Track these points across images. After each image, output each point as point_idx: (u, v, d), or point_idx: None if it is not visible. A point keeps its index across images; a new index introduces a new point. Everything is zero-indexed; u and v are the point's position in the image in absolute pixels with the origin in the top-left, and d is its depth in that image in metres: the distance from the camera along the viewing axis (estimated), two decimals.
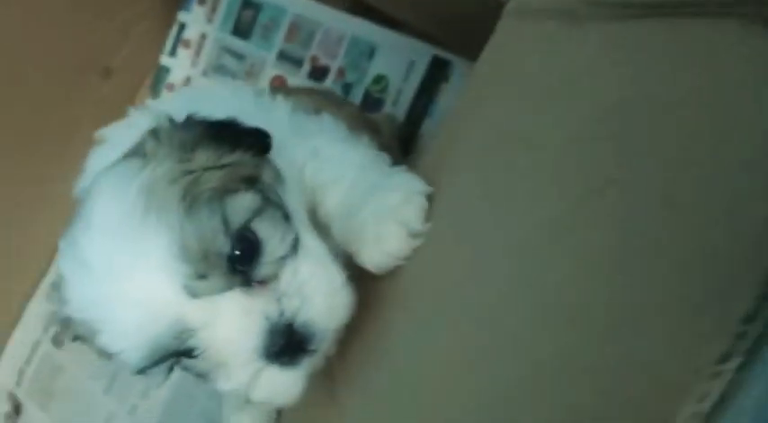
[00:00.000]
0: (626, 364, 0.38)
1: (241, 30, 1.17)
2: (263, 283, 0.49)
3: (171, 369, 0.51)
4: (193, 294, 0.47)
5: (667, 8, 0.41)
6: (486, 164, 0.52)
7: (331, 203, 0.60)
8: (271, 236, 0.50)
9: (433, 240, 0.53)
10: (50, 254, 1.20)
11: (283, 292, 0.49)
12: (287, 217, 0.52)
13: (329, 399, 0.59)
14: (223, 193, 0.49)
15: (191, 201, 0.47)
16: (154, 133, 0.51)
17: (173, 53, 1.22)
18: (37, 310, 1.23)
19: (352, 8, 1.10)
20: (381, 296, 0.55)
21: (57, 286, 0.52)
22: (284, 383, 0.51)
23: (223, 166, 0.50)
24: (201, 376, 0.52)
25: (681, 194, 0.39)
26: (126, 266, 0.46)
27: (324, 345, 0.51)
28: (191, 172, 0.49)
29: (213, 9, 1.19)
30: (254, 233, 0.49)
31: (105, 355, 0.50)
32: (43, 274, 1.23)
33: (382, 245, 0.54)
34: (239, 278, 0.49)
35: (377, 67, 1.08)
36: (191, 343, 0.48)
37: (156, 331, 0.47)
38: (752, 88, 0.38)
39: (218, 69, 1.19)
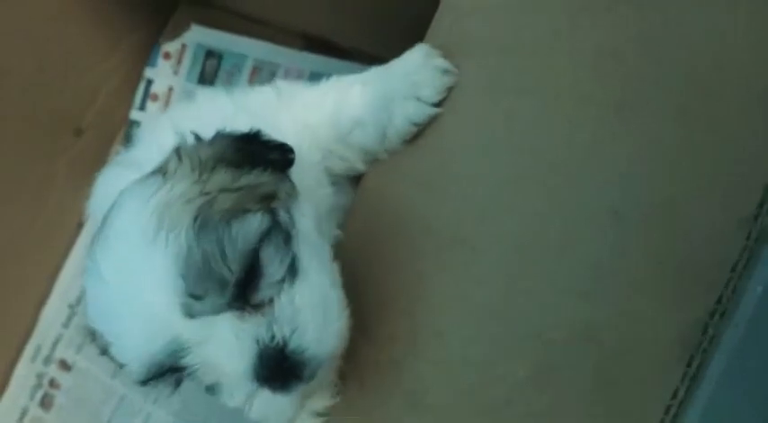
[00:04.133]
0: None
1: (206, 78, 1.24)
2: (258, 307, 0.51)
3: (179, 383, 0.52)
4: (190, 314, 0.48)
5: None
6: None
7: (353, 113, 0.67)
8: (272, 259, 0.51)
9: None
10: (33, 317, 1.21)
11: (276, 319, 0.50)
12: (288, 239, 0.53)
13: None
14: (233, 215, 0.50)
15: (202, 222, 0.49)
16: (177, 152, 0.54)
17: (142, 107, 1.27)
18: (23, 376, 1.22)
19: (307, 45, 1.18)
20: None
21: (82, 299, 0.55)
22: (276, 408, 0.52)
23: (238, 189, 0.52)
24: (209, 390, 0.52)
25: None
26: (134, 282, 0.48)
27: (317, 372, 0.51)
28: (207, 193, 0.51)
29: (179, 61, 1.25)
30: (257, 256, 0.51)
31: (119, 365, 0.52)
32: (27, 337, 1.22)
33: (420, 89, 0.62)
34: (235, 301, 0.50)
35: None
36: (186, 361, 0.49)
37: (154, 348, 0.49)
38: None
39: None
